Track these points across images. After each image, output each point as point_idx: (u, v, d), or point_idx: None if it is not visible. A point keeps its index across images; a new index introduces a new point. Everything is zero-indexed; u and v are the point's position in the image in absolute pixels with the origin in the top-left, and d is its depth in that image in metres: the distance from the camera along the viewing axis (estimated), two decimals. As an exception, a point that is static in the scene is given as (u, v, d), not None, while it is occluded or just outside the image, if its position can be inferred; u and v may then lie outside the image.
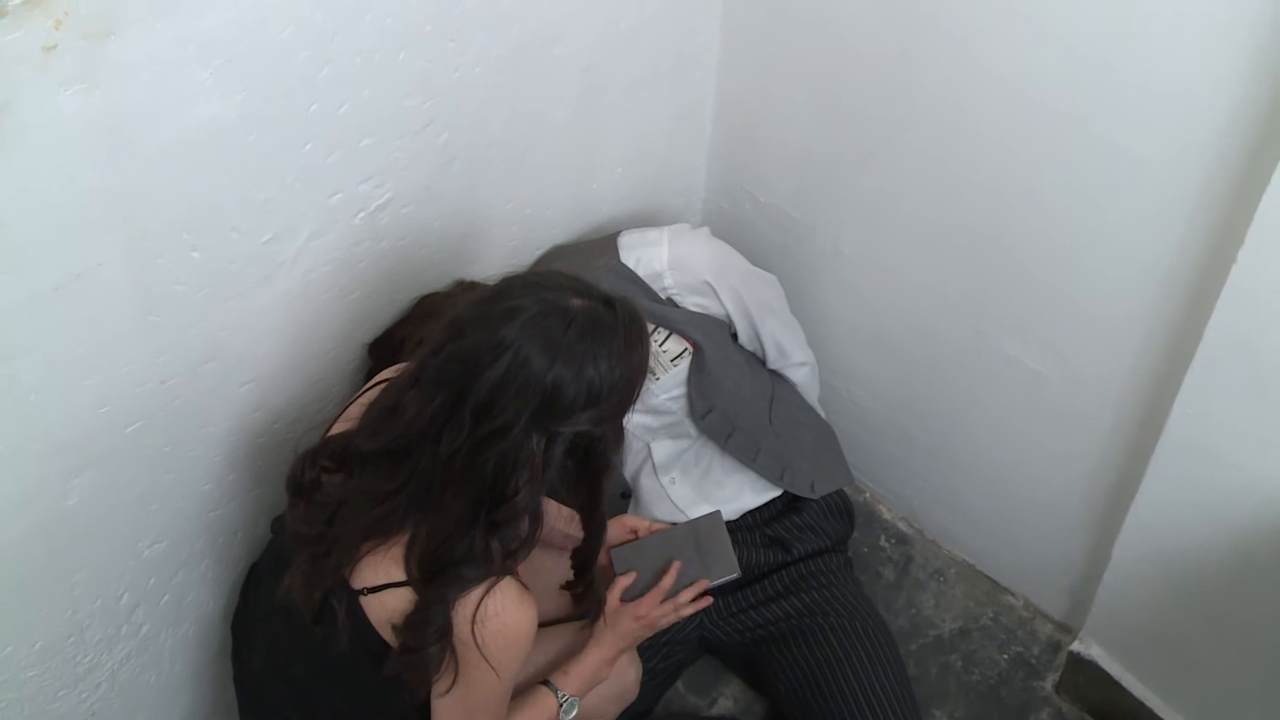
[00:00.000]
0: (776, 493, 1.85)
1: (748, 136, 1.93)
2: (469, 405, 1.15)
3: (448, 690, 1.24)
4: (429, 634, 1.19)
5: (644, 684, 1.66)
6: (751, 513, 1.84)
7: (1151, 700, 1.74)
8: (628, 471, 1.85)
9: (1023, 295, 1.64)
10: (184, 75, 1.16)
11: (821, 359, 1.98)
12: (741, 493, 1.84)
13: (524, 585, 1.25)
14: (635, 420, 1.82)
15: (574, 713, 1.44)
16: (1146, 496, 1.55)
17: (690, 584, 1.53)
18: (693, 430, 1.83)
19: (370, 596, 1.23)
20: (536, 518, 1.23)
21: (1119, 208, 1.43)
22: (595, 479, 1.29)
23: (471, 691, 1.25)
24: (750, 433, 1.81)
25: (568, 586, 1.46)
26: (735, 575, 1.55)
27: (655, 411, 1.82)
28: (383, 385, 1.30)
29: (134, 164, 1.16)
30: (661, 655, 1.76)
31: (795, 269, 1.97)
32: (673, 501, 1.81)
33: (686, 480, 1.83)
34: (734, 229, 2.03)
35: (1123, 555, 1.64)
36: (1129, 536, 1.61)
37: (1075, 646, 1.82)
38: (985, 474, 1.92)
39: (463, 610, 1.20)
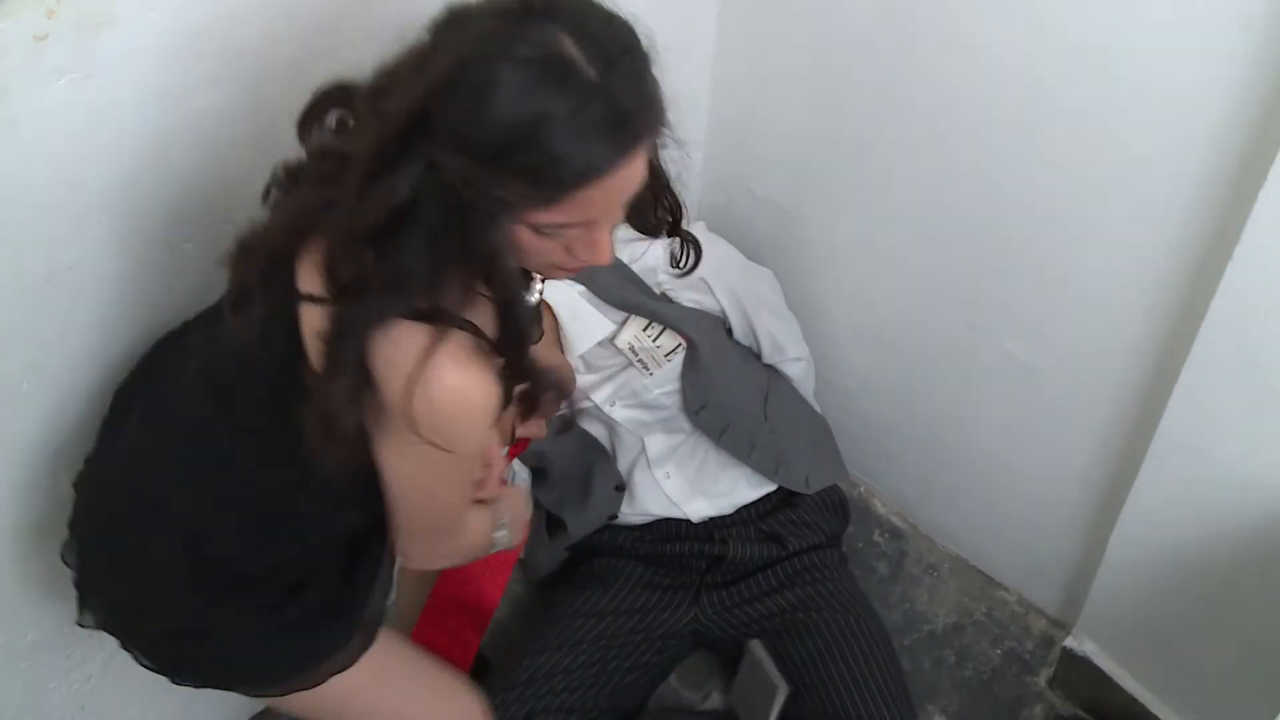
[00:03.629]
0: (772, 487, 1.84)
1: (742, 130, 1.93)
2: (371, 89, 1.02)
3: (397, 460, 1.11)
4: (344, 358, 1.01)
5: (637, 678, 1.66)
6: (746, 507, 1.84)
7: (1145, 696, 1.74)
8: (621, 465, 1.84)
9: (1018, 291, 1.63)
10: (177, 66, 1.15)
11: (816, 354, 1.98)
12: (736, 487, 1.83)
13: (477, 347, 1.05)
14: (629, 415, 1.82)
15: (503, 534, 1.44)
16: (1141, 493, 1.54)
17: None
18: (687, 425, 1.82)
19: (307, 306, 1.06)
20: (437, 262, 0.99)
21: (1116, 203, 1.43)
22: (484, 257, 1.00)
23: (426, 467, 1.12)
24: (744, 428, 1.80)
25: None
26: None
27: (649, 406, 1.81)
28: None
29: (127, 155, 1.16)
30: (655, 649, 1.75)
31: (790, 263, 1.96)
32: (667, 495, 1.81)
33: (681, 474, 1.83)
34: (729, 223, 2.03)
35: (1117, 552, 1.64)
36: (1123, 533, 1.61)
37: (1069, 642, 1.83)
38: (980, 469, 1.91)
39: (397, 366, 1.01)
